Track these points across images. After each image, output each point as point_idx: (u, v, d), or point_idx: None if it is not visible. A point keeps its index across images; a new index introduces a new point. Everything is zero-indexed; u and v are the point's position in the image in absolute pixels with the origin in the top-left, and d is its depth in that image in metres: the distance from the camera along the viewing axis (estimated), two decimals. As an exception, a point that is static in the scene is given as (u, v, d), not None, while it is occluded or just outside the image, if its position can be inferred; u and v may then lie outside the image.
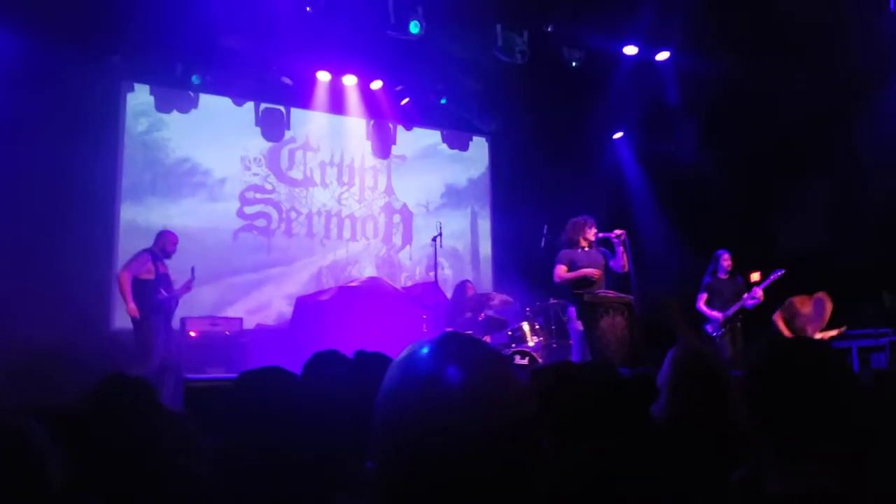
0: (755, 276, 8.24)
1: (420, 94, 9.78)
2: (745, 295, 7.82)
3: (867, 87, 8.35)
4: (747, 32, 8.13)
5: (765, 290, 7.82)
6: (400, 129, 10.38)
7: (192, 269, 7.29)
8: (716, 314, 7.83)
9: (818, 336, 7.63)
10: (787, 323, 7.79)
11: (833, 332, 7.72)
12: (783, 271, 7.79)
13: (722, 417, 2.59)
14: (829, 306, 7.69)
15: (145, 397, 2.11)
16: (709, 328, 7.93)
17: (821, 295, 7.77)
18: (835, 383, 1.73)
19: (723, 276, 7.99)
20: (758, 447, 1.87)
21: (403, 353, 0.92)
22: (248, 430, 1.87)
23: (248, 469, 1.79)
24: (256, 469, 1.78)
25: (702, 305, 7.99)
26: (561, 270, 6.77)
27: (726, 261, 8.00)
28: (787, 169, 9.72)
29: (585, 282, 6.68)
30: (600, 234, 6.86)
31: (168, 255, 7.14)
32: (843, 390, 1.75)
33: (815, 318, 7.76)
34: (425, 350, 0.89)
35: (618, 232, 6.75)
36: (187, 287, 7.20)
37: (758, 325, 7.97)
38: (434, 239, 7.92)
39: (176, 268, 7.29)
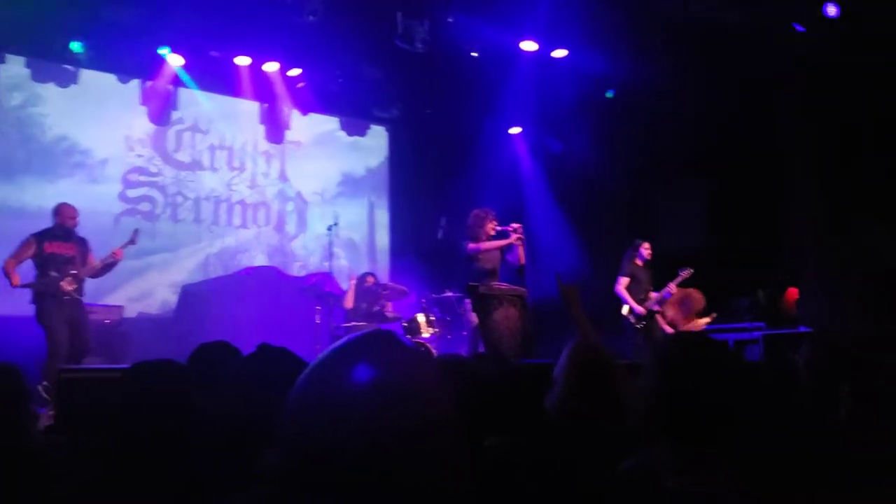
0: (686, 272, 8.44)
1: (317, 78, 9.56)
2: (662, 291, 7.90)
3: (749, 91, 8.71)
4: (640, 34, 8.36)
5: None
6: (295, 113, 10.11)
7: (135, 232, 6.97)
8: (639, 308, 7.81)
9: (690, 325, 7.90)
10: (663, 315, 8.01)
11: (706, 320, 8.01)
12: (692, 270, 7.92)
13: (613, 410, 2.62)
14: (698, 298, 7.97)
15: (11, 384, 1.94)
16: (632, 317, 7.87)
17: (690, 290, 8.05)
18: (730, 381, 1.77)
19: (640, 262, 8.03)
20: (647, 440, 1.89)
21: (324, 352, 0.92)
22: (137, 423, 1.76)
23: (135, 463, 1.67)
24: (145, 463, 1.67)
25: (621, 290, 7.90)
26: (472, 245, 6.79)
27: (646, 250, 8.04)
28: (671, 169, 10.07)
29: (483, 273, 6.72)
30: (498, 228, 6.91)
31: (66, 232, 6.54)
32: (737, 387, 1.79)
33: (685, 310, 8.02)
34: (343, 347, 0.90)
35: (514, 226, 6.85)
36: (107, 263, 6.69)
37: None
38: (330, 228, 7.77)
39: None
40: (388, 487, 0.80)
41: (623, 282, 7.93)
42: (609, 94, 9.68)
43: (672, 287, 7.89)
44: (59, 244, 6.47)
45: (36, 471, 1.89)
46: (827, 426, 2.33)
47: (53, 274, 6.32)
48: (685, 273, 7.91)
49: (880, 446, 1.98)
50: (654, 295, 7.88)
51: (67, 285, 6.35)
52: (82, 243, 6.68)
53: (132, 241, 6.93)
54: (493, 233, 6.89)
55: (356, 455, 0.80)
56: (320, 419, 0.83)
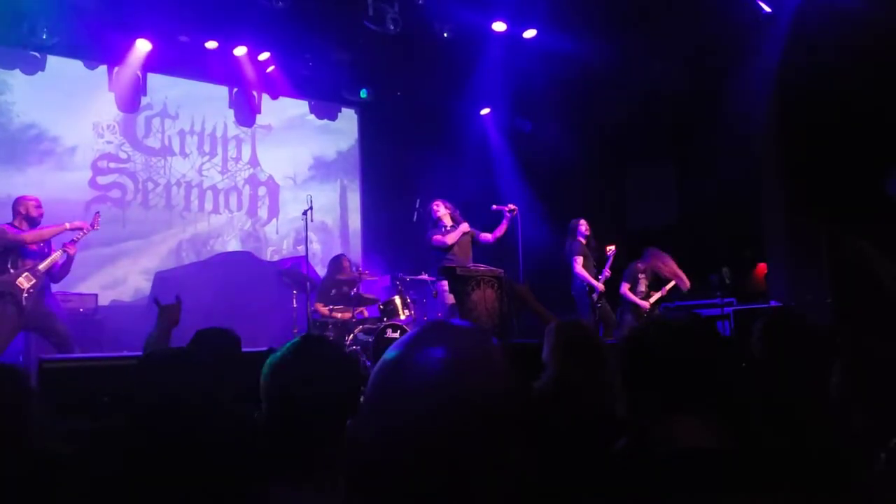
0: (611, 248, 8.53)
1: (287, 62, 9.50)
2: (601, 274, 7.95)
3: (715, 71, 8.83)
4: (607, 13, 8.42)
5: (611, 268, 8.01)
6: (265, 97, 10.05)
7: (97, 214, 6.69)
8: (599, 285, 7.82)
9: (658, 296, 8.03)
10: (632, 290, 8.10)
11: (668, 286, 8.13)
12: (614, 251, 8.01)
13: (604, 386, 2.70)
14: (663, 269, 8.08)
15: (18, 385, 1.97)
16: (594, 294, 7.84)
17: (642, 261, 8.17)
18: (721, 351, 1.85)
19: (583, 240, 8.02)
20: (636, 414, 1.96)
21: (395, 342, 1.01)
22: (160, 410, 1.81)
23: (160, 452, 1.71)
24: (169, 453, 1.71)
25: (581, 270, 7.87)
26: (438, 238, 7.21)
27: (584, 226, 8.05)
28: (638, 149, 10.19)
29: (458, 255, 6.92)
30: (494, 207, 7.29)
31: (34, 223, 6.20)
32: (724, 356, 1.88)
33: (665, 265, 8.13)
34: (412, 335, 0.99)
35: (511, 206, 7.20)
36: (67, 256, 6.26)
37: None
38: (305, 213, 7.75)
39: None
40: (464, 452, 0.87)
41: (578, 261, 7.93)
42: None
43: (606, 271, 7.95)
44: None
45: (45, 470, 1.92)
46: (813, 397, 2.42)
47: (11, 270, 5.99)
48: (612, 251, 8.00)
49: (871, 417, 2.07)
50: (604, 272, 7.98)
51: (26, 281, 6.00)
52: (46, 242, 6.31)
53: (92, 227, 6.52)
54: (449, 221, 7.29)
55: (435, 425, 0.88)
56: (399, 396, 0.91)
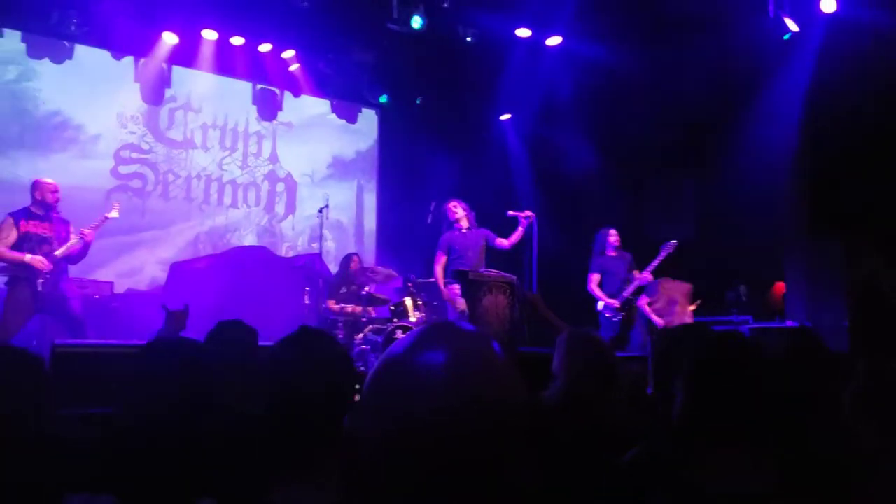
0: (672, 243, 8.37)
1: (310, 60, 9.55)
2: (638, 274, 7.73)
3: (740, 88, 8.78)
4: (633, 25, 8.40)
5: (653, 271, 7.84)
6: (287, 95, 10.11)
7: (116, 203, 6.70)
8: (612, 302, 7.69)
9: (681, 315, 7.90)
10: (651, 306, 8.00)
11: (692, 307, 8.00)
12: (674, 245, 7.68)
13: (610, 399, 2.69)
14: (684, 289, 7.94)
15: (31, 369, 1.99)
16: (607, 312, 7.76)
17: (678, 282, 8.02)
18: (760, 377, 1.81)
19: (612, 253, 7.86)
20: (658, 433, 1.93)
21: (395, 343, 1.01)
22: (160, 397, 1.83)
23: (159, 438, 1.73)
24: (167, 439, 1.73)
25: (594, 288, 7.77)
26: (440, 259, 7.39)
27: (613, 237, 7.87)
28: (659, 162, 10.13)
29: (471, 260, 7.00)
30: (510, 213, 7.23)
31: (50, 208, 6.24)
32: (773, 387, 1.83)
33: (676, 301, 8.01)
34: (413, 336, 0.98)
35: (528, 213, 7.11)
36: (84, 242, 6.25)
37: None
38: (321, 210, 7.81)
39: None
40: (461, 455, 0.87)
41: (594, 279, 7.80)
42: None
43: (647, 274, 7.76)
44: (35, 223, 6.15)
45: (57, 455, 1.94)
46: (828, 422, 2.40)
47: (28, 256, 6.00)
48: (669, 246, 7.66)
49: (882, 437, 2.05)
50: (637, 275, 7.75)
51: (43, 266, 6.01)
52: (62, 225, 6.33)
53: (107, 217, 6.55)
54: (465, 224, 7.40)
55: (434, 427, 0.88)
56: (399, 395, 0.91)
